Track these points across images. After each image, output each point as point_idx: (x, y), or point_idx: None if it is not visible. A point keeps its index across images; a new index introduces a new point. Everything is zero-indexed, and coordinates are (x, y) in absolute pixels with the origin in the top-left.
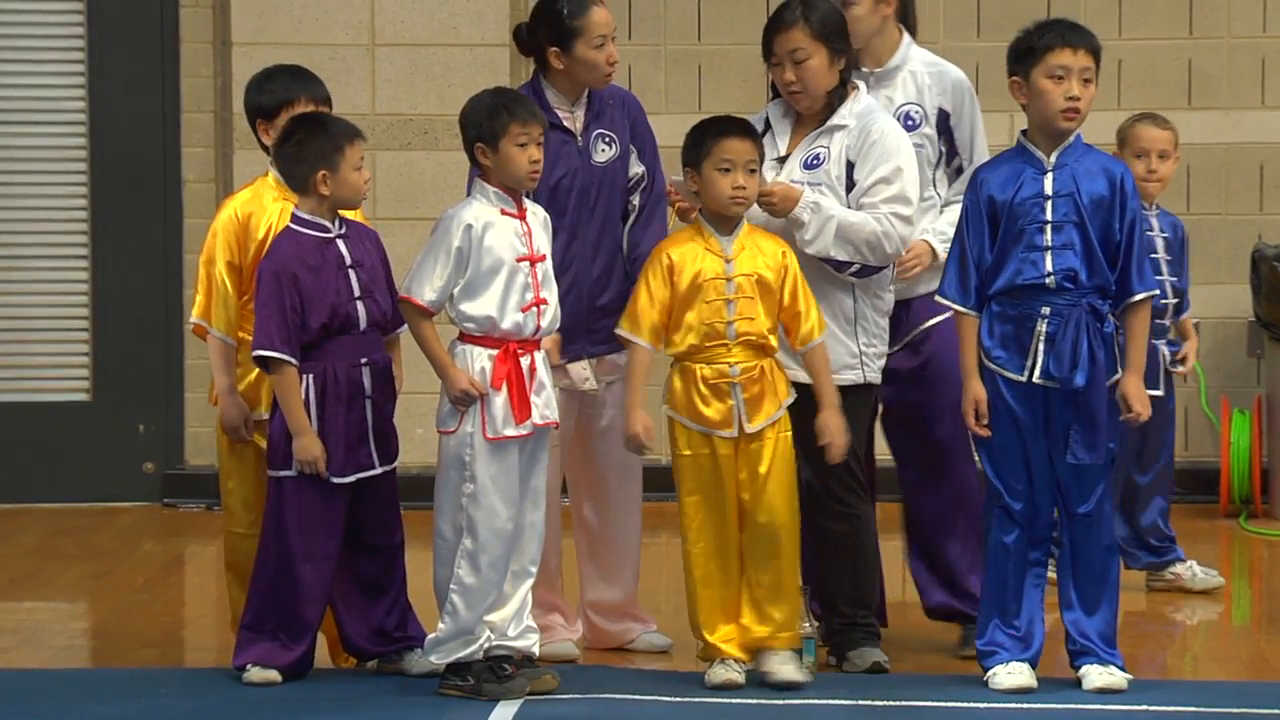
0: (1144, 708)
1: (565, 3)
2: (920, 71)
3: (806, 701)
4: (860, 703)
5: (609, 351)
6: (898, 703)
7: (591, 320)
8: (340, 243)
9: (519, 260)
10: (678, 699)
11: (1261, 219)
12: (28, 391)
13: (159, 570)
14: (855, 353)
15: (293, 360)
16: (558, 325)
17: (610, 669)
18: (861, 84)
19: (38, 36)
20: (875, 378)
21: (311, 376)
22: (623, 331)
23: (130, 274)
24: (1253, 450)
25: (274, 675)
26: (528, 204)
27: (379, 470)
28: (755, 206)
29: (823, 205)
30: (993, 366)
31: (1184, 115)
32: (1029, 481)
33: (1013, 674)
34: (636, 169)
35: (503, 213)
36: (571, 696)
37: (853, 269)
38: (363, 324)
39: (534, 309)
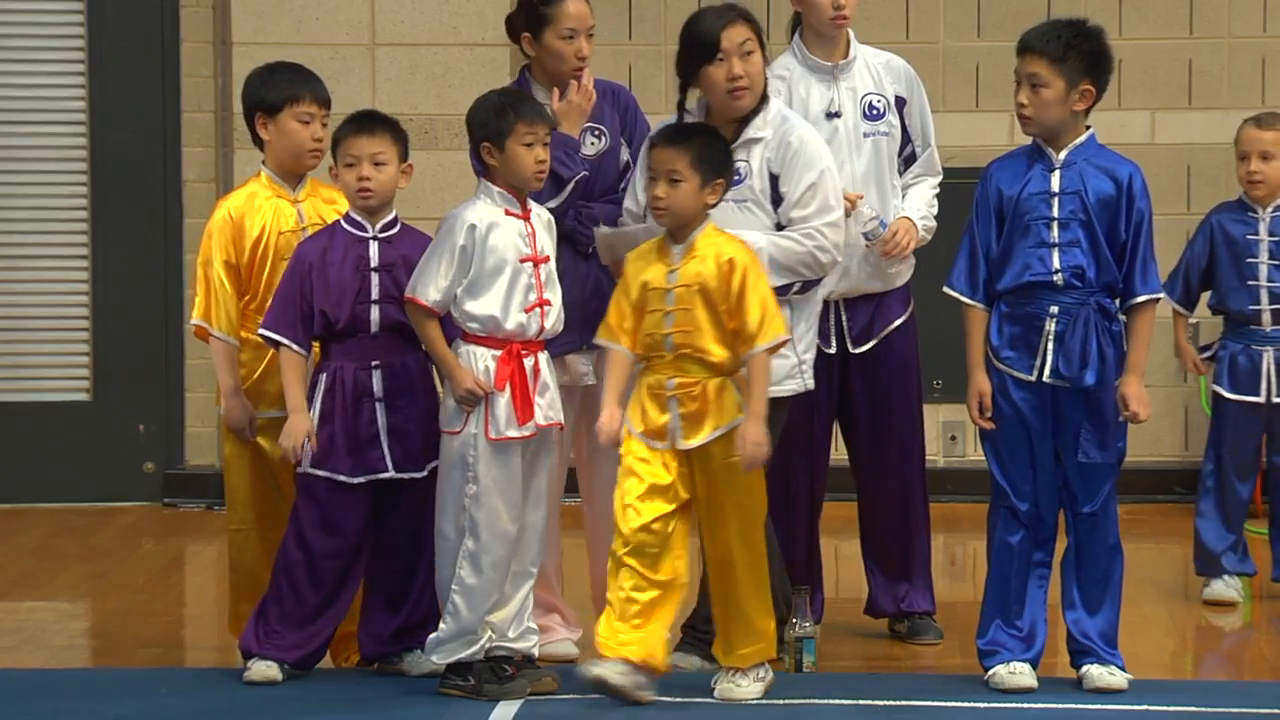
0: (1144, 708)
1: None
2: (872, 62)
3: (807, 701)
4: (860, 703)
5: None
6: (898, 702)
7: (586, 310)
8: (373, 245)
9: (522, 261)
10: (678, 699)
11: None
12: (28, 391)
13: (159, 570)
14: (796, 363)
15: (291, 344)
16: (561, 327)
17: None
18: (772, 93)
19: (38, 36)
20: (811, 383)
21: (324, 375)
22: (599, 339)
23: (130, 274)
24: None
25: (274, 673)
26: (532, 205)
27: (393, 475)
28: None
29: (748, 242)
30: (1001, 366)
31: (1184, 115)
32: (1035, 482)
33: (1014, 674)
34: (625, 158)
35: (507, 213)
36: (571, 697)
37: (794, 289)
38: (374, 327)
39: (537, 309)
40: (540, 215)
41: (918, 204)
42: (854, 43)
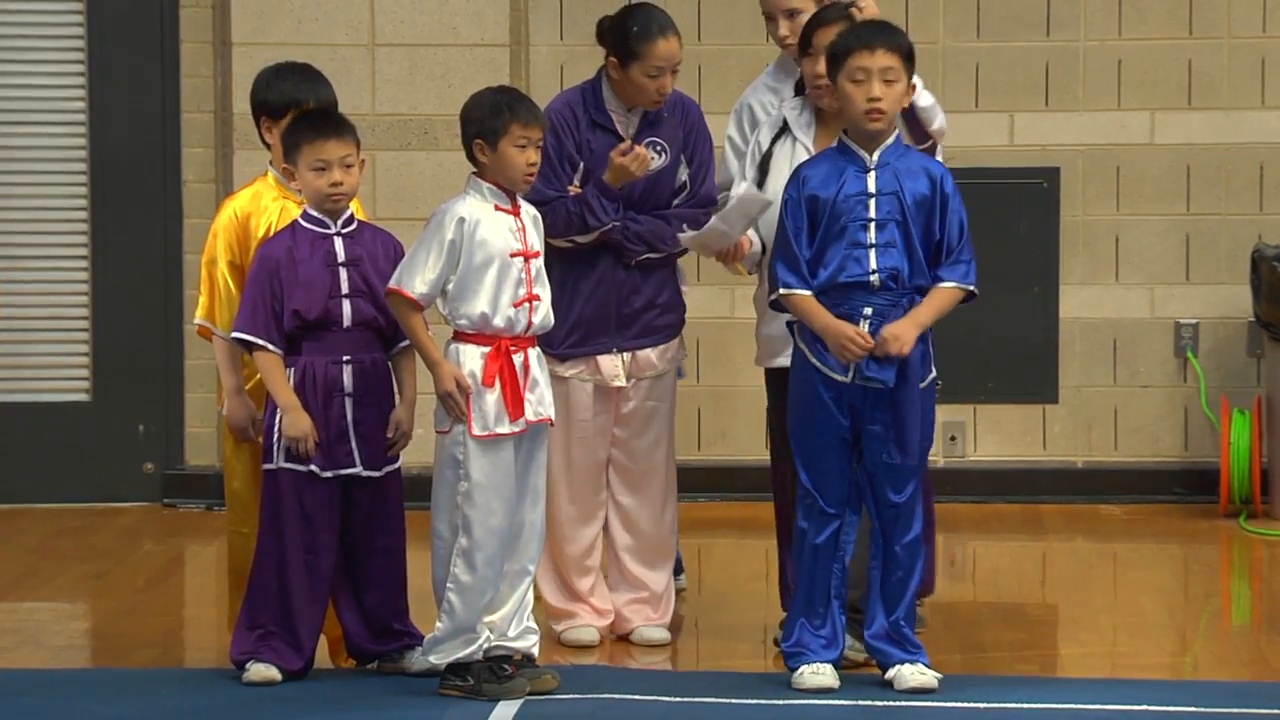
0: (1144, 708)
1: (637, 21)
2: None
3: (807, 702)
4: (860, 703)
5: (644, 346)
6: (898, 703)
7: (619, 315)
8: (337, 240)
9: (512, 255)
10: (678, 699)
11: (1261, 219)
12: (28, 391)
13: (159, 570)
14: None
15: (267, 345)
16: (551, 323)
17: (610, 669)
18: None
19: (38, 36)
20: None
21: (293, 370)
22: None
23: (130, 274)
24: (1253, 450)
25: (274, 674)
26: (521, 202)
27: (361, 471)
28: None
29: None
30: (817, 364)
31: (1184, 115)
32: (842, 481)
33: (818, 674)
34: (683, 178)
35: (496, 209)
36: (571, 697)
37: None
38: (346, 321)
39: (526, 304)
40: (529, 211)
41: None
42: None
